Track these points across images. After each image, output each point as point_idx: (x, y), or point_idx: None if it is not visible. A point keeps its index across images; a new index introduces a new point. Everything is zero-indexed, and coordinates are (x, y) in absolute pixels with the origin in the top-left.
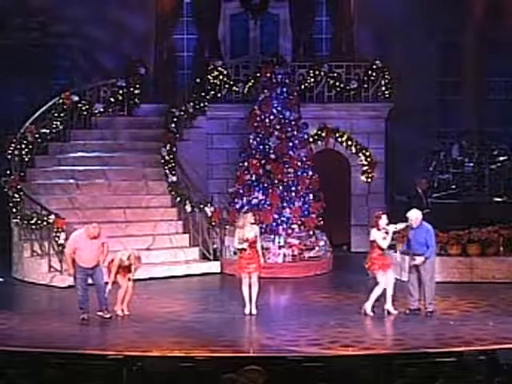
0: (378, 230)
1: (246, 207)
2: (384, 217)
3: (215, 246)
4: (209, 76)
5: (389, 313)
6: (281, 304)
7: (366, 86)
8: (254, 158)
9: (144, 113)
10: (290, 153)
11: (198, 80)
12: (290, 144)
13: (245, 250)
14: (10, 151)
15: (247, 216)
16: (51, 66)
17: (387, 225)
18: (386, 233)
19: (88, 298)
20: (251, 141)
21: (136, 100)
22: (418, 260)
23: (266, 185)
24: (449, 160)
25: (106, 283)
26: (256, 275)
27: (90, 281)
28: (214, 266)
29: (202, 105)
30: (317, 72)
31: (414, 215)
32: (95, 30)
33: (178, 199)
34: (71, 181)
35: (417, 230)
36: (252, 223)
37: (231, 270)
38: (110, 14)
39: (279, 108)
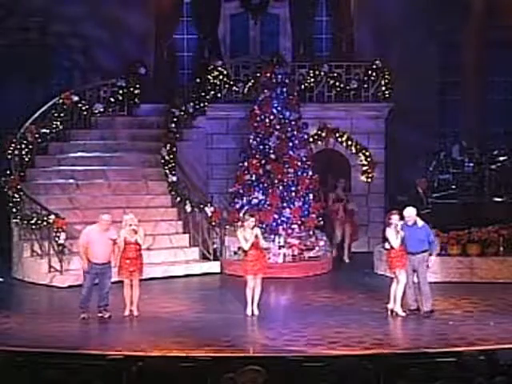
0: (391, 227)
1: (246, 207)
2: (396, 214)
3: (215, 246)
4: (209, 76)
5: (393, 313)
6: (281, 304)
7: (366, 85)
8: (254, 157)
9: (144, 113)
10: (290, 153)
11: (198, 80)
12: (290, 144)
13: (246, 251)
14: (9, 151)
15: (248, 220)
16: (51, 66)
17: (399, 221)
18: (399, 230)
19: (90, 299)
20: (251, 141)
21: (136, 100)
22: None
23: (266, 185)
24: (449, 160)
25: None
26: (260, 277)
27: (96, 281)
28: (214, 266)
29: (202, 105)
30: (317, 72)
31: (412, 212)
32: (94, 30)
33: (178, 199)
34: (71, 181)
35: (414, 228)
36: (253, 226)
37: (231, 270)
38: (109, 14)
39: (279, 108)
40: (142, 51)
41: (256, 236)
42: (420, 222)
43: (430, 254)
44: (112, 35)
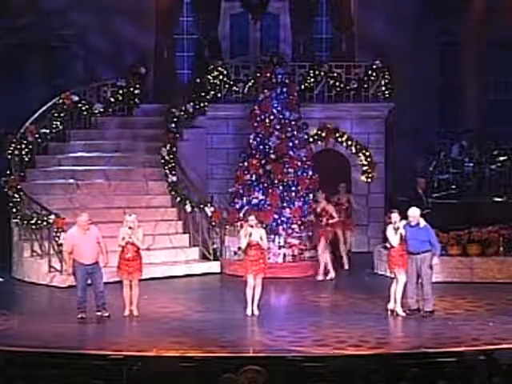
0: (391, 226)
1: (246, 207)
2: (396, 213)
3: (215, 246)
4: (209, 76)
5: (393, 313)
6: (281, 304)
7: (366, 86)
8: (254, 157)
9: (144, 113)
10: (290, 153)
11: (198, 80)
12: (290, 144)
13: (245, 251)
14: (9, 151)
15: (249, 220)
16: (51, 66)
17: (400, 221)
18: (398, 228)
19: (86, 299)
20: (251, 141)
21: (136, 100)
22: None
23: (266, 185)
24: (449, 160)
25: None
26: (260, 277)
27: (89, 281)
28: (214, 266)
29: (202, 105)
30: (317, 72)
31: (416, 213)
32: (95, 36)
33: (178, 199)
34: (71, 181)
35: (416, 229)
36: (254, 226)
37: (231, 270)
38: (110, 19)
39: (279, 108)
40: (142, 51)
41: (261, 237)
42: (422, 223)
43: (433, 255)
44: (112, 40)
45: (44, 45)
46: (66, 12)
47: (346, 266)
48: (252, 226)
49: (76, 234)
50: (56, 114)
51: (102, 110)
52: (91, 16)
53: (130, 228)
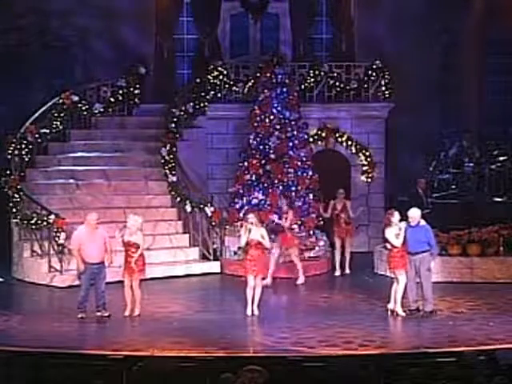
0: (391, 227)
1: (246, 207)
2: (396, 214)
3: (215, 245)
4: (209, 76)
5: (393, 313)
6: (281, 304)
7: (366, 86)
8: (254, 157)
9: (144, 113)
10: (290, 153)
11: (198, 80)
12: (290, 144)
13: (245, 250)
14: (9, 151)
15: (249, 218)
16: (51, 66)
17: (400, 221)
18: (400, 230)
19: (88, 299)
20: (251, 141)
21: (136, 100)
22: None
23: (266, 185)
24: (449, 160)
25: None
26: (260, 277)
27: (92, 281)
28: (214, 266)
29: (202, 105)
30: (317, 72)
31: (416, 213)
32: (95, 36)
33: (178, 199)
34: (71, 181)
35: (416, 229)
36: (253, 224)
37: (231, 270)
38: (110, 19)
39: (279, 108)
40: (142, 52)
41: (262, 236)
42: (422, 223)
43: (432, 255)
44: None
45: (44, 45)
46: (66, 13)
47: (348, 271)
48: (252, 224)
49: (84, 232)
50: (56, 114)
51: (101, 109)
52: (91, 16)
53: (125, 227)
